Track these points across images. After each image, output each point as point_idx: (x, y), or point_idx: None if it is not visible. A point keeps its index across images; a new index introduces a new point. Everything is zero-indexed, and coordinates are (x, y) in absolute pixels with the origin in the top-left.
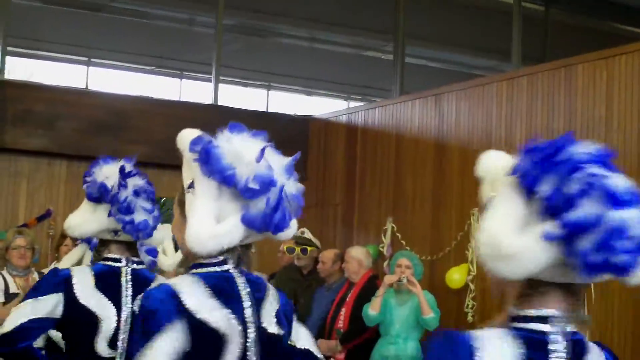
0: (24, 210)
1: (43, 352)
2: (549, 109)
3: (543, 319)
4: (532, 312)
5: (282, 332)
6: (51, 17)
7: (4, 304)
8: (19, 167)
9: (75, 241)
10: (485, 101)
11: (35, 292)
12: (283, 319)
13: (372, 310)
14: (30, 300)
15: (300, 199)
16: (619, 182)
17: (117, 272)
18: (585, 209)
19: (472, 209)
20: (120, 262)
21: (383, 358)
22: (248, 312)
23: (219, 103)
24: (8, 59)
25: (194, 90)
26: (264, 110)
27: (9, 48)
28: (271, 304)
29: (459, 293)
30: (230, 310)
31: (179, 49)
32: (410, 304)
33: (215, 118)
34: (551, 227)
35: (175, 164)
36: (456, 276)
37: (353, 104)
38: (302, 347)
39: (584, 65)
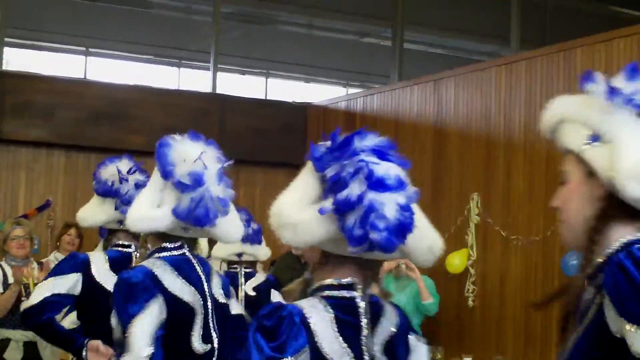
0: (23, 200)
1: None
2: (547, 93)
3: (348, 286)
4: (337, 282)
5: (227, 301)
6: (49, 8)
7: (1, 294)
8: (17, 158)
9: (79, 231)
10: (484, 86)
11: (56, 271)
12: (227, 291)
13: None
14: (51, 277)
15: (227, 203)
16: (385, 169)
17: (128, 256)
18: (352, 190)
19: (472, 193)
20: (130, 247)
21: None
22: (205, 287)
23: (218, 91)
24: (6, 49)
25: (193, 79)
26: (263, 97)
27: (7, 39)
28: (217, 278)
29: (459, 278)
30: (193, 287)
31: (177, 37)
32: (409, 290)
33: (214, 106)
34: (327, 204)
35: None
36: (456, 261)
37: (352, 90)
38: (235, 313)
39: (582, 48)
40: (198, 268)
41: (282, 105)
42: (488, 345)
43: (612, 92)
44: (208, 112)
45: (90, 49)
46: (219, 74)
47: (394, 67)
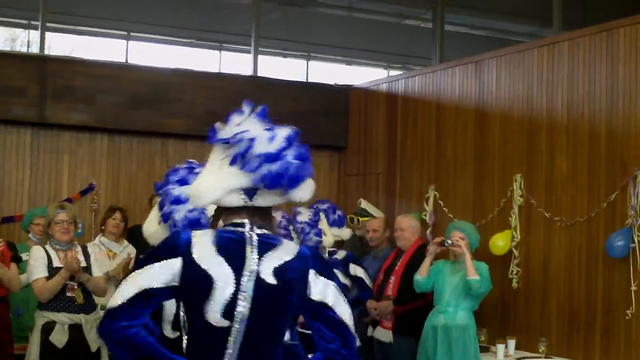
0: (66, 185)
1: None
2: (590, 74)
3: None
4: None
5: None
6: None
7: (48, 278)
8: (60, 142)
9: (124, 214)
10: (526, 67)
11: None
12: None
13: (419, 275)
14: None
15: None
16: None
17: None
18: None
19: (515, 175)
20: None
21: (433, 328)
22: None
23: (259, 74)
24: (48, 34)
25: (234, 62)
26: (304, 80)
27: (49, 24)
28: None
29: (503, 260)
30: None
31: (217, 21)
32: (462, 273)
33: (255, 89)
34: None
35: None
36: (500, 243)
37: (393, 72)
38: None
39: (625, 29)
40: None
41: (324, 88)
42: (532, 327)
43: (212, 135)
44: (249, 95)
45: (132, 33)
46: (259, 56)
47: (435, 49)
